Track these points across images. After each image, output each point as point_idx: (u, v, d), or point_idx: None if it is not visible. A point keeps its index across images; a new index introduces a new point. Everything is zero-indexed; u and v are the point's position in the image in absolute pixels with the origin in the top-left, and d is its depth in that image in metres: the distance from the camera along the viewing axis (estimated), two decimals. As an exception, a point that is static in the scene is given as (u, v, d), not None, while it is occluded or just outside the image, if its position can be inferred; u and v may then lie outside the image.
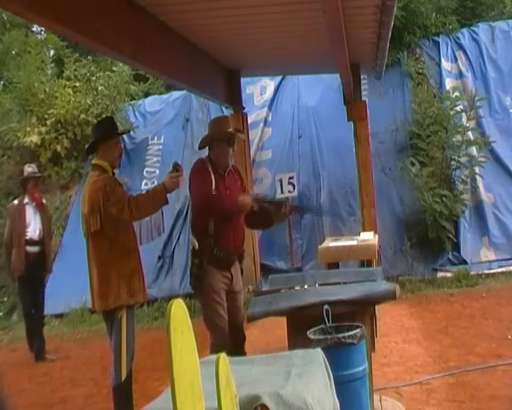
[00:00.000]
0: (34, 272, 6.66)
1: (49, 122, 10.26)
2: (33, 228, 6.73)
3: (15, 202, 7.05)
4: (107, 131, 4.04)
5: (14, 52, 13.40)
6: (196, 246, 4.08)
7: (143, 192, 4.17)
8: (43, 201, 7.14)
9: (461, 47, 9.90)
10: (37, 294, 6.80)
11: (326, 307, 3.28)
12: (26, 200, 6.82)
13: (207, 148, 4.29)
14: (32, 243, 6.69)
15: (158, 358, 5.54)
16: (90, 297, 3.98)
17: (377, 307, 3.81)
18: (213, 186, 4.05)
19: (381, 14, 5.13)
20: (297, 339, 3.29)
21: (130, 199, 3.82)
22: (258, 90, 10.14)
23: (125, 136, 9.38)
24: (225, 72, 7.57)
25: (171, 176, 3.88)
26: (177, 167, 3.92)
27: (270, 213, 4.23)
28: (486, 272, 8.07)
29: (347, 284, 3.88)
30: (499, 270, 8.07)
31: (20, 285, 6.83)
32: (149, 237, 4.20)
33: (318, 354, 2.57)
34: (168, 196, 3.92)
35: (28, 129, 10.24)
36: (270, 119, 9.88)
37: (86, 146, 4.26)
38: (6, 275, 9.56)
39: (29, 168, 6.92)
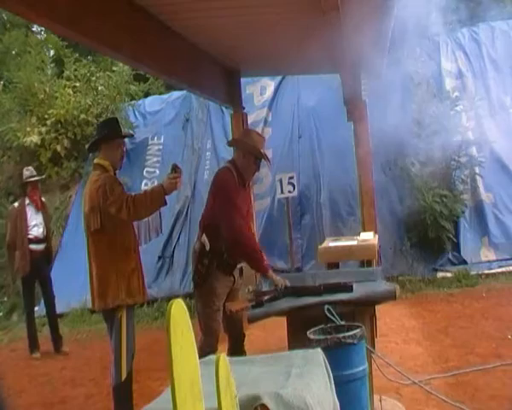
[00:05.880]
0: (40, 270, 6.81)
1: (49, 122, 10.27)
2: (37, 227, 6.84)
3: (16, 204, 7.11)
4: (111, 131, 4.04)
5: (14, 52, 13.41)
6: (207, 247, 4.08)
7: (142, 192, 4.17)
8: (43, 200, 7.21)
9: (461, 47, 9.90)
10: (47, 290, 6.97)
11: (327, 306, 3.28)
12: (27, 201, 6.91)
13: (239, 154, 4.27)
14: (36, 241, 6.81)
15: (158, 358, 5.54)
16: (90, 296, 3.98)
17: (377, 307, 3.80)
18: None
19: (381, 13, 5.13)
20: (297, 339, 3.28)
21: (129, 198, 3.81)
22: (258, 90, 10.13)
23: (125, 136, 9.39)
24: (225, 72, 7.56)
25: (170, 178, 3.87)
26: (176, 169, 3.91)
27: None
28: (486, 272, 8.08)
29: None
30: (499, 270, 8.08)
31: (24, 285, 6.95)
32: (147, 237, 4.20)
33: (318, 354, 2.57)
34: (167, 196, 3.92)
35: (28, 129, 10.25)
36: (270, 119, 9.88)
37: (89, 143, 4.26)
38: (6, 275, 9.58)
39: (27, 172, 6.98)
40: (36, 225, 6.82)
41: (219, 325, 4.12)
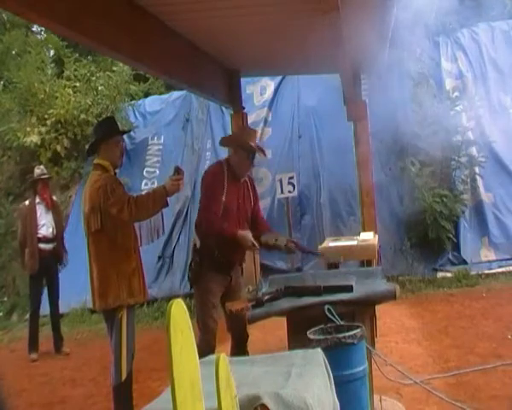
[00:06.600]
0: (48, 269, 6.83)
1: (49, 122, 10.27)
2: (46, 226, 6.85)
3: (26, 202, 7.13)
4: (108, 130, 4.05)
5: (14, 52, 13.39)
6: (198, 245, 4.11)
7: (143, 193, 4.18)
8: (54, 198, 7.29)
9: (461, 47, 9.90)
10: (53, 290, 6.98)
11: (327, 306, 3.28)
12: (38, 200, 6.92)
13: (231, 151, 4.38)
14: (45, 240, 6.82)
15: (158, 358, 5.54)
16: (91, 296, 3.99)
17: (377, 307, 3.80)
18: (224, 195, 4.09)
19: (381, 13, 5.13)
20: (297, 339, 3.28)
21: (130, 199, 3.81)
22: (258, 90, 10.13)
23: (125, 136, 9.38)
24: (225, 72, 7.57)
25: (172, 179, 3.88)
26: (178, 171, 3.92)
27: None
28: (486, 272, 8.08)
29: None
30: (499, 270, 8.08)
31: (32, 283, 6.97)
32: (149, 238, 4.21)
33: (318, 354, 2.57)
34: (168, 198, 3.93)
35: (28, 129, 10.25)
36: (270, 119, 9.88)
37: (87, 146, 4.26)
38: (6, 275, 9.56)
39: (38, 170, 7.02)
40: (45, 224, 6.83)
41: (215, 322, 4.13)
